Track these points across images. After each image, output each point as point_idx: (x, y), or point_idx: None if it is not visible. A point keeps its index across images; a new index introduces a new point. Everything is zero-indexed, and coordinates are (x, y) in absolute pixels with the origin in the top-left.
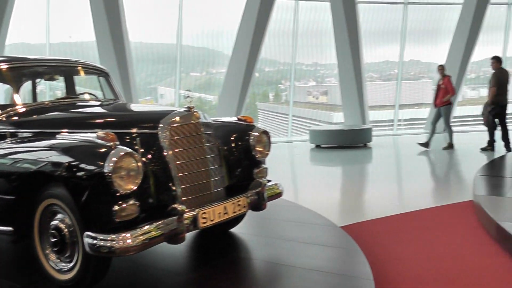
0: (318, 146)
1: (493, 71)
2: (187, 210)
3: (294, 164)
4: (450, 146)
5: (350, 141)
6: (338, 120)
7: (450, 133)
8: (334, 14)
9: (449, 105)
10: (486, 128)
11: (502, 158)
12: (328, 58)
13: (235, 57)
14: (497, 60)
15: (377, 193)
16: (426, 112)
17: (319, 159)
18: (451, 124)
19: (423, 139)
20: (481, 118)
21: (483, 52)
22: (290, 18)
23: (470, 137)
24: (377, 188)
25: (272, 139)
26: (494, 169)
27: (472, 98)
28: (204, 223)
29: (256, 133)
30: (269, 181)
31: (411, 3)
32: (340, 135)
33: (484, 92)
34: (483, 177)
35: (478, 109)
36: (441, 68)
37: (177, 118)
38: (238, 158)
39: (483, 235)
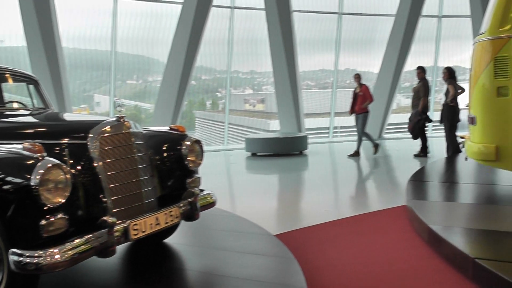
0: (254, 154)
1: (419, 80)
2: (118, 222)
3: (230, 173)
4: (376, 147)
5: (285, 149)
6: (275, 128)
7: (369, 138)
8: (270, 22)
9: (366, 112)
10: (411, 135)
11: (434, 163)
12: (264, 66)
13: (171, 65)
14: (422, 70)
15: (312, 201)
16: None
17: (254, 168)
18: (367, 131)
19: (352, 150)
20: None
21: (416, 62)
22: (226, 26)
23: (404, 144)
24: (312, 196)
25: (208, 148)
26: (426, 174)
27: (406, 105)
28: (136, 234)
29: (189, 143)
30: (202, 190)
31: (345, 14)
32: (276, 143)
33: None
34: (416, 183)
35: None
36: (358, 77)
37: (108, 128)
38: (171, 168)
39: (416, 238)
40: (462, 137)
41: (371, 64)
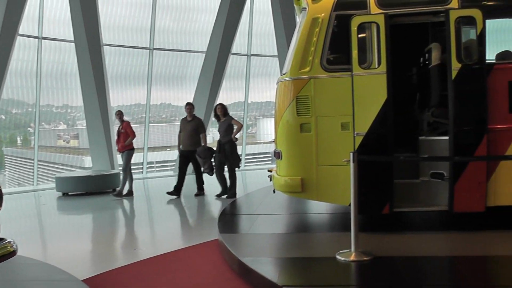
0: (65, 194)
1: (191, 118)
2: None
3: (39, 216)
4: (130, 193)
5: (98, 187)
6: (90, 164)
7: (131, 179)
8: (79, 55)
9: (131, 150)
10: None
11: (244, 197)
12: (77, 100)
13: None
14: (193, 107)
15: (125, 240)
16: (176, 154)
17: (65, 208)
18: (131, 170)
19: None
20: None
21: (229, 97)
22: (34, 58)
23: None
24: (125, 235)
25: (18, 189)
26: (237, 207)
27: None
28: None
29: None
30: (1, 239)
31: (156, 49)
32: (88, 181)
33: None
34: (227, 216)
35: None
36: (119, 114)
37: None
38: None
39: (228, 271)
40: (269, 171)
41: (185, 98)
